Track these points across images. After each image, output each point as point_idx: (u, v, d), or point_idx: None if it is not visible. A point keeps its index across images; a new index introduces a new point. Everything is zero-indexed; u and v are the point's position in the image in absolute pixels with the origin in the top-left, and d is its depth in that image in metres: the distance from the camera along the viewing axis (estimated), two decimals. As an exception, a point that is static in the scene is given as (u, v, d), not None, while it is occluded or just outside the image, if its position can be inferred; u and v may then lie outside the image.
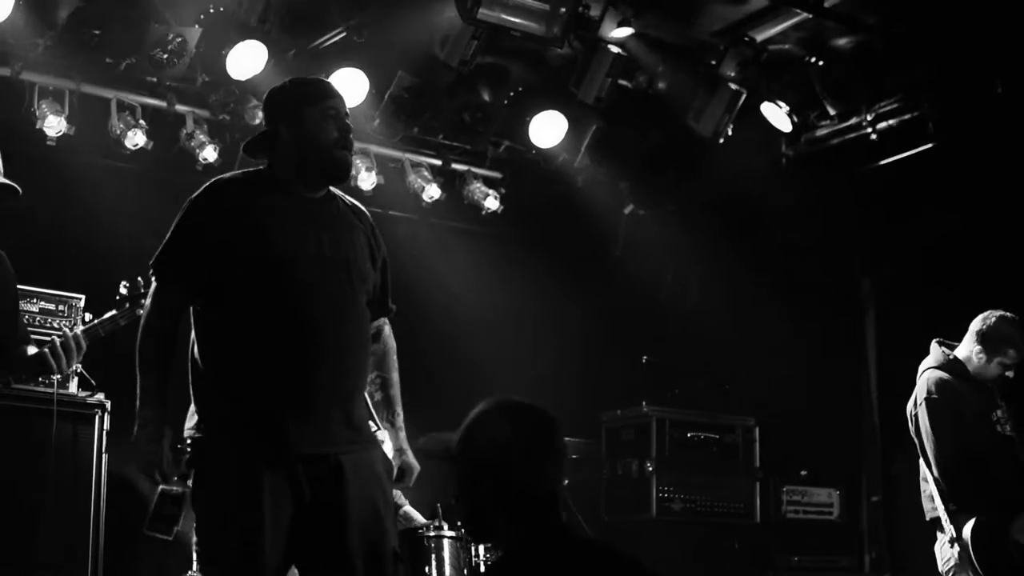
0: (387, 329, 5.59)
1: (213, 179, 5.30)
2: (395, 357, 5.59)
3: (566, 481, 10.18)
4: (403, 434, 5.51)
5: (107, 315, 5.91)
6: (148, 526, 8.45)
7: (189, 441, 5.09)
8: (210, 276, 5.03)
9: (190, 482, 5.14)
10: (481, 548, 8.95)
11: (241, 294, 5.01)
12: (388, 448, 5.48)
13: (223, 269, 5.01)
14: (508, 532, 3.77)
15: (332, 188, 5.35)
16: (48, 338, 6.07)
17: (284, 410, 4.91)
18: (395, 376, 5.56)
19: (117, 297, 5.84)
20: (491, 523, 3.81)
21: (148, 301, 5.11)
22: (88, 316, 6.74)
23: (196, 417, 5.08)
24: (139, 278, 5.80)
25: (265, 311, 4.96)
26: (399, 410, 5.53)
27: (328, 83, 5.56)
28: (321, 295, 5.02)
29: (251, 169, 5.36)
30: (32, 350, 5.94)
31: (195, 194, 5.21)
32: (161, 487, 5.26)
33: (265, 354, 4.94)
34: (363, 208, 5.51)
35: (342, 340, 5.05)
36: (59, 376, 5.88)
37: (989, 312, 7.96)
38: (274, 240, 5.02)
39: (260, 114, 9.57)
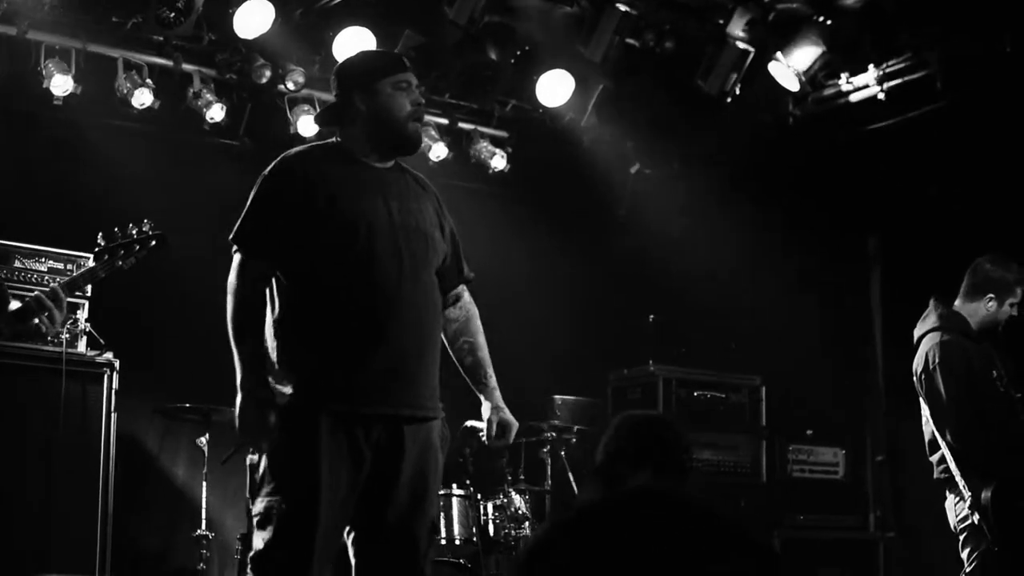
0: (466, 296, 5.63)
1: (283, 153, 5.34)
2: (479, 322, 5.64)
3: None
4: (498, 393, 5.55)
5: (87, 267, 5.97)
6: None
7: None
8: (288, 245, 5.08)
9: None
10: (490, 506, 9.00)
11: (313, 261, 5.07)
12: (486, 409, 5.51)
13: (299, 238, 5.06)
14: None
15: (399, 160, 5.40)
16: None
17: (350, 373, 4.97)
18: (482, 339, 5.60)
19: (96, 249, 5.88)
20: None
21: (232, 275, 5.11)
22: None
23: (270, 377, 5.08)
24: (115, 228, 5.84)
25: (335, 277, 5.04)
26: (491, 371, 5.56)
27: (400, 56, 5.64)
28: (391, 261, 5.07)
29: (319, 142, 5.48)
30: (14, 304, 5.97)
31: (267, 169, 5.26)
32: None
33: (332, 319, 5.01)
34: (428, 180, 5.56)
35: (411, 306, 5.10)
36: (47, 331, 5.87)
37: (978, 261, 7.90)
38: (344, 208, 5.08)
39: (267, 73, 9.59)
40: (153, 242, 5.94)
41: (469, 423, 5.85)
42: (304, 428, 4.92)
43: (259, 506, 4.97)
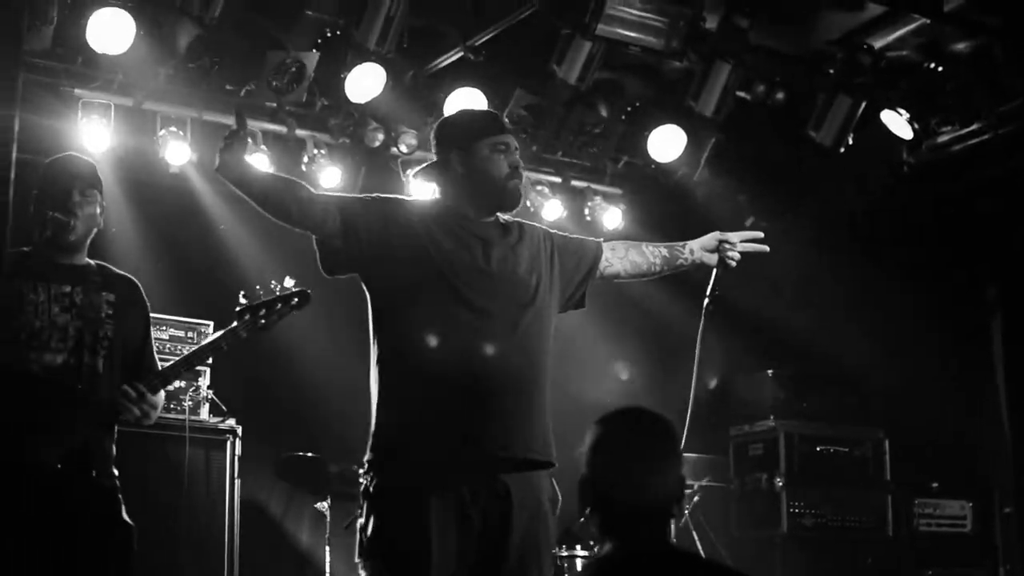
0: (608, 248, 5.64)
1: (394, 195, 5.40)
2: (633, 244, 5.72)
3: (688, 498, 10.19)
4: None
5: (228, 328, 5.89)
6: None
7: (366, 465, 5.06)
8: (372, 262, 5.10)
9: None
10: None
11: (408, 311, 5.06)
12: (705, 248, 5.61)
13: (395, 282, 5.07)
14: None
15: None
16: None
17: (454, 435, 4.91)
18: (644, 246, 5.73)
19: (237, 308, 5.83)
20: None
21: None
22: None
23: (372, 440, 5.06)
24: (257, 287, 5.79)
25: (431, 330, 4.99)
26: (672, 245, 5.74)
27: (498, 116, 5.65)
28: (488, 313, 5.04)
29: (423, 198, 5.52)
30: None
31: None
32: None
33: (432, 376, 4.95)
34: (532, 224, 5.54)
35: (514, 359, 5.05)
36: (190, 400, 5.87)
37: None
38: (441, 253, 5.08)
39: (380, 136, 9.65)
40: (296, 299, 5.86)
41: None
42: (411, 494, 4.87)
43: (365, 574, 4.94)
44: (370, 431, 5.08)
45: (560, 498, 5.38)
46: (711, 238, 5.70)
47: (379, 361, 5.11)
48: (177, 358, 5.93)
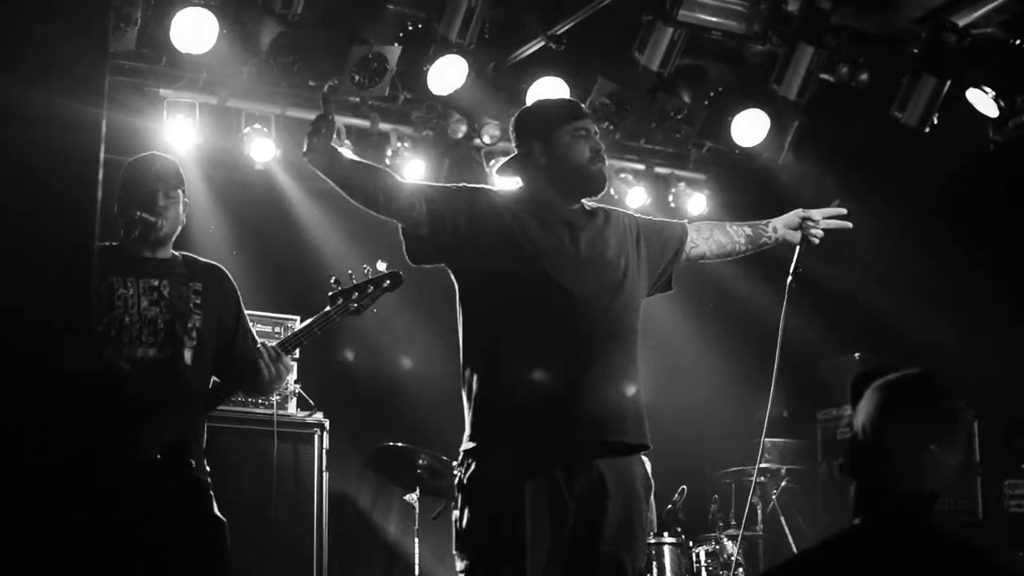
0: (693, 229, 5.66)
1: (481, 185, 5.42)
2: (717, 225, 5.75)
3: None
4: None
5: (321, 313, 5.90)
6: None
7: (460, 456, 5.09)
8: (461, 251, 5.13)
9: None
10: (702, 553, 8.92)
11: (499, 298, 5.08)
12: (788, 225, 5.60)
13: (486, 272, 5.10)
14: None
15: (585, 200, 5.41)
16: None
17: (548, 420, 4.93)
18: (728, 226, 5.77)
19: (329, 293, 5.85)
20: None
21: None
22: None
23: (468, 430, 5.09)
24: (349, 271, 5.80)
25: (523, 316, 5.02)
26: (755, 224, 5.83)
27: (576, 103, 5.63)
28: (579, 296, 5.05)
29: (509, 188, 5.46)
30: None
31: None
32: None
33: (525, 362, 4.97)
34: (617, 208, 5.56)
35: (606, 342, 5.07)
36: (269, 384, 5.83)
37: None
38: (529, 240, 5.11)
39: (463, 128, 9.69)
40: (388, 281, 5.86)
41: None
42: (507, 481, 4.89)
43: (462, 564, 4.96)
44: (466, 420, 5.10)
45: (653, 484, 5.39)
46: (794, 215, 5.72)
47: (470, 350, 5.13)
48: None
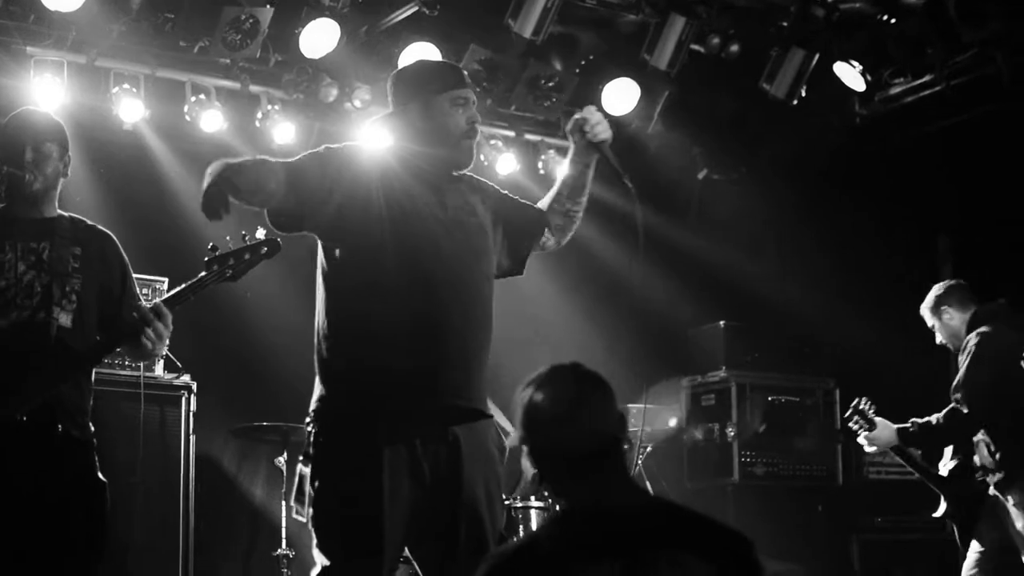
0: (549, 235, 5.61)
1: (347, 143, 5.36)
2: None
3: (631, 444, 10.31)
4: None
5: (196, 277, 5.83)
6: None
7: (310, 416, 5.08)
8: (329, 216, 5.05)
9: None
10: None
11: (360, 260, 5.03)
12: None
13: (342, 217, 5.04)
14: (571, 492, 3.70)
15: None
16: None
17: (404, 385, 4.91)
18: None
19: (205, 258, 5.78)
20: (558, 488, 3.74)
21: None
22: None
23: (318, 391, 5.07)
24: (227, 237, 5.74)
25: (383, 278, 4.97)
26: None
27: (459, 69, 5.54)
28: (440, 260, 5.03)
29: (378, 145, 5.39)
30: None
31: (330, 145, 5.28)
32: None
33: (384, 325, 4.94)
34: (481, 178, 5.53)
35: (462, 310, 5.04)
36: (152, 350, 5.77)
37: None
38: (394, 202, 5.05)
39: (334, 92, 9.66)
40: (265, 248, 5.81)
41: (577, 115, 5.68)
42: (363, 440, 4.87)
43: (315, 521, 4.94)
44: (317, 380, 5.08)
45: (507, 447, 5.40)
46: (571, 133, 5.57)
47: (328, 312, 5.10)
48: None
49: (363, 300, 5.00)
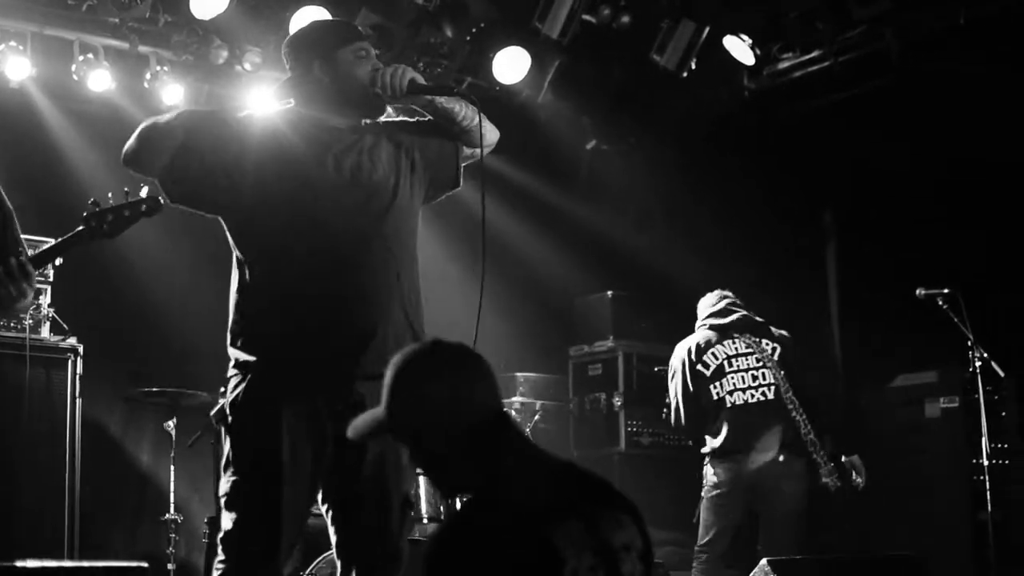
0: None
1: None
2: None
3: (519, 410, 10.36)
4: None
5: (73, 232, 5.70)
6: None
7: (226, 383, 5.06)
8: (220, 189, 4.99)
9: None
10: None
11: (258, 229, 5.00)
12: None
13: (247, 191, 4.98)
14: (474, 471, 3.69)
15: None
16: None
17: (303, 344, 4.90)
18: None
19: (84, 213, 5.66)
20: (455, 471, 3.74)
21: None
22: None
23: (231, 357, 5.05)
24: (109, 194, 5.63)
25: (283, 244, 4.95)
26: None
27: (354, 25, 5.56)
28: (339, 219, 4.98)
29: (277, 108, 5.33)
30: None
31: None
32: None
33: (283, 291, 4.93)
34: (392, 119, 5.40)
35: (364, 264, 5.00)
36: (9, 304, 5.63)
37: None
38: (289, 168, 5.01)
39: (224, 54, 9.58)
40: (145, 206, 5.71)
41: None
42: (264, 406, 4.88)
43: (224, 487, 4.94)
44: (228, 347, 5.06)
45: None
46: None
47: (233, 280, 5.07)
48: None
49: (263, 273, 4.98)
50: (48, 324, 8.45)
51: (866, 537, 9.94)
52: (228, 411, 5.00)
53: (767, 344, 8.88)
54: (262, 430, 4.87)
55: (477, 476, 3.68)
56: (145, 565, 6.11)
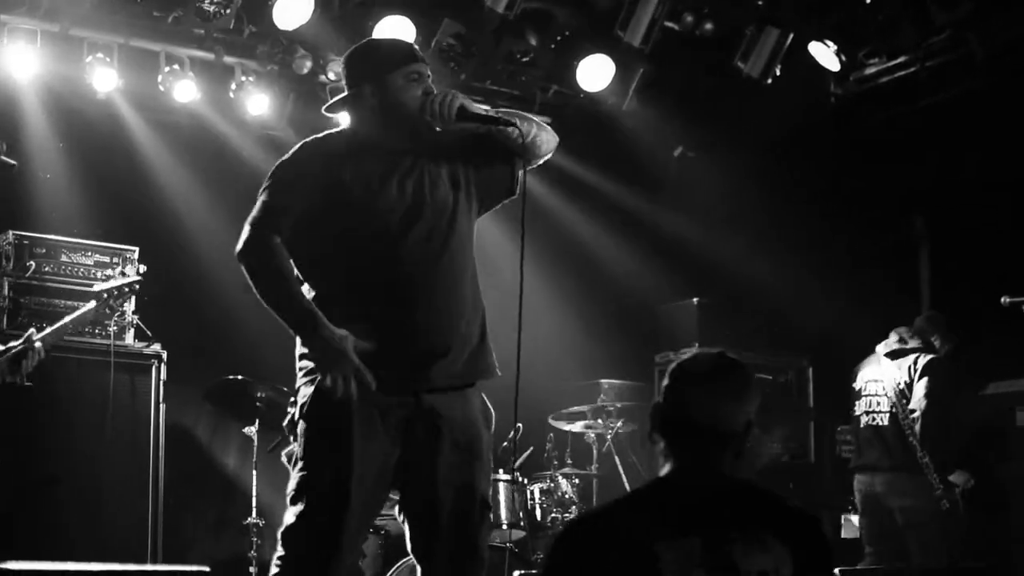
0: None
1: (300, 142, 5.27)
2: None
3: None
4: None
5: (80, 311, 5.81)
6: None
7: (296, 392, 5.13)
8: (304, 230, 5.02)
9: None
10: (536, 491, 9.04)
11: (332, 248, 5.04)
12: None
13: (316, 224, 5.02)
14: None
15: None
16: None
17: (376, 361, 4.91)
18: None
19: (94, 293, 5.74)
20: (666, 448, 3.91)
21: (251, 256, 5.02)
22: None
23: (303, 366, 5.10)
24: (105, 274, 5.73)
25: (356, 262, 5.01)
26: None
27: (411, 45, 5.45)
28: (408, 242, 5.02)
29: (334, 131, 5.37)
30: None
31: (283, 157, 5.21)
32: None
33: (356, 311, 4.96)
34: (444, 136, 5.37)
35: (437, 283, 5.06)
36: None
37: None
38: (361, 193, 5.03)
39: (308, 64, 9.66)
40: (137, 285, 5.80)
41: None
42: (336, 405, 4.89)
43: (292, 483, 4.99)
44: (298, 355, 5.11)
45: (493, 413, 5.44)
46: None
47: (306, 290, 5.09)
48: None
49: (336, 297, 5.01)
50: (132, 331, 8.57)
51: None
52: (299, 415, 5.06)
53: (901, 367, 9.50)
54: (332, 428, 4.94)
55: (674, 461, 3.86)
56: (207, 569, 6.19)
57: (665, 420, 3.85)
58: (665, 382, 3.88)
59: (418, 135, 5.21)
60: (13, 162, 5.83)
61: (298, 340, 5.09)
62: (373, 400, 4.93)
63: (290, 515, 4.96)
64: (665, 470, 3.82)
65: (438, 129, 5.13)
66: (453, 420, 5.06)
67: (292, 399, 5.14)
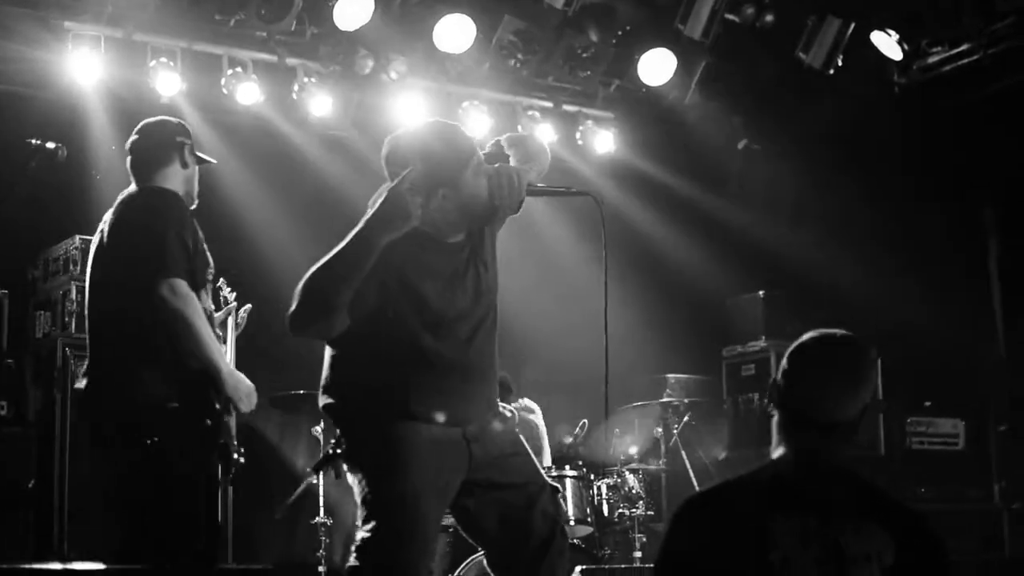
0: None
1: None
2: None
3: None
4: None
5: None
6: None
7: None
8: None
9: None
10: (603, 486, 9.03)
11: (378, 332, 5.00)
12: None
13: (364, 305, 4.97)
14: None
15: None
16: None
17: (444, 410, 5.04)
18: None
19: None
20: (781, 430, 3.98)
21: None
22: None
23: (339, 390, 5.19)
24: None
25: (412, 345, 5.02)
26: None
27: (465, 135, 5.26)
28: (465, 326, 5.12)
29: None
30: None
31: None
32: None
33: (410, 371, 5.02)
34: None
35: (474, 367, 5.16)
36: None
37: None
38: (413, 290, 5.04)
39: (370, 63, 9.71)
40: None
41: None
42: (398, 427, 4.97)
43: (363, 497, 5.01)
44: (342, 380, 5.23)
45: (517, 416, 5.49)
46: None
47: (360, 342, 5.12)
48: None
49: (377, 372, 5.05)
50: (215, 331, 8.62)
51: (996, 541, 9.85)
52: (367, 442, 5.06)
53: None
54: (400, 447, 4.97)
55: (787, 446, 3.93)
56: (270, 567, 6.21)
57: (781, 404, 3.94)
58: (783, 364, 4.02)
59: (486, 221, 5.26)
60: (57, 146, 5.86)
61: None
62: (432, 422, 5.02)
63: (363, 531, 4.97)
64: (778, 452, 3.89)
65: (519, 128, 5.16)
66: (491, 442, 5.17)
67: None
